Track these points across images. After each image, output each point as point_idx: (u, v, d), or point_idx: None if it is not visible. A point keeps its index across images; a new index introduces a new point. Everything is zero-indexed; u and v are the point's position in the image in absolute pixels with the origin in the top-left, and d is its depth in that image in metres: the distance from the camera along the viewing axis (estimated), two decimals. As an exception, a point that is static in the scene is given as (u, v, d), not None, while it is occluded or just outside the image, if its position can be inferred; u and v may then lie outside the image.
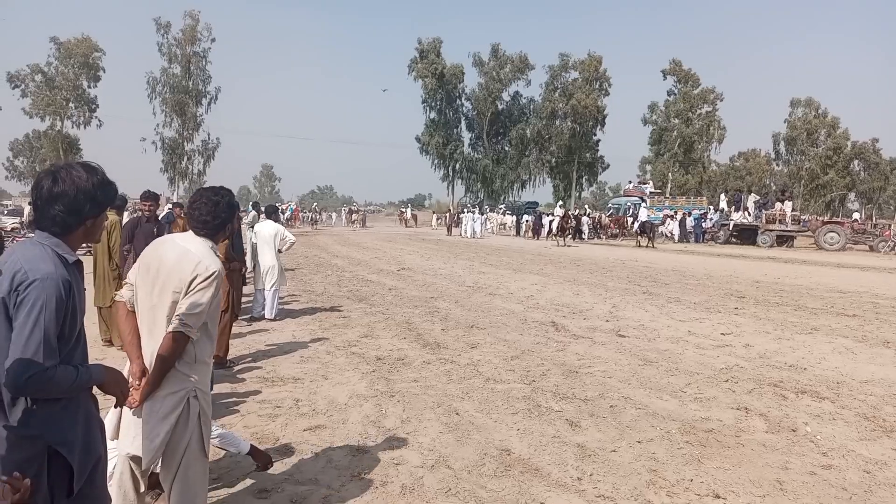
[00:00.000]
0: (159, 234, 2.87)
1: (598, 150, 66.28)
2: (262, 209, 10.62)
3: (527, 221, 40.59)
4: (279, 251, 9.55)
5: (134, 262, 3.05)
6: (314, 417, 5.18)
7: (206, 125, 58.75)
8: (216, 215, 2.95)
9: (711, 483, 4.01)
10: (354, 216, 55.24)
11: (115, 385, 2.33)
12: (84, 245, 2.40)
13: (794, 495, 3.87)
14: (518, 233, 40.52)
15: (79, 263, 2.22)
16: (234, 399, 5.66)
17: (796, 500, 3.81)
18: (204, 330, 2.83)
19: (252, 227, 10.03)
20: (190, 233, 2.97)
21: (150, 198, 7.80)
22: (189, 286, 2.72)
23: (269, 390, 5.95)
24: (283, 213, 51.63)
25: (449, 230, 40.44)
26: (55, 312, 2.01)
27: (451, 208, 56.06)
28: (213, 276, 2.76)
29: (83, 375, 2.10)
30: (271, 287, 9.35)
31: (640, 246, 29.36)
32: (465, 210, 44.70)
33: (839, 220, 32.51)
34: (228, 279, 7.14)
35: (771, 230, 30.38)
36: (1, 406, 2.04)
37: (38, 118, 57.09)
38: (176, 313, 2.70)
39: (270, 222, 9.43)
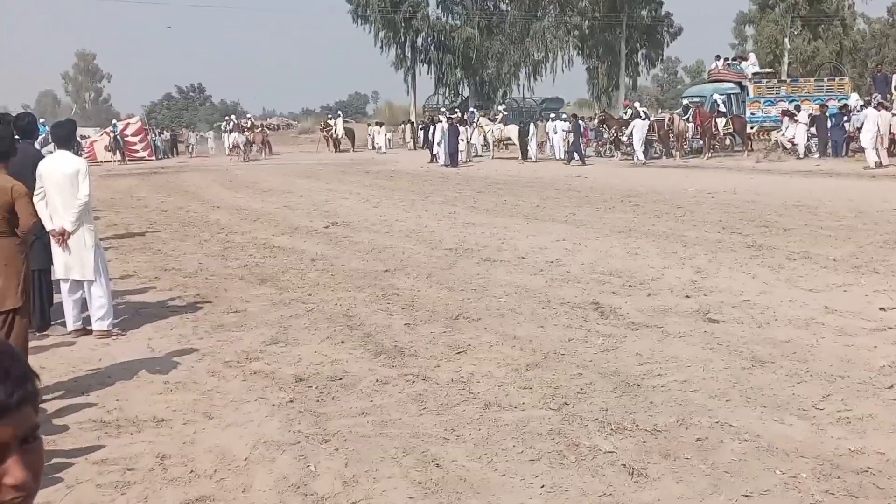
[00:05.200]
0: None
1: (661, 6, 43.88)
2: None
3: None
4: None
5: None
6: (193, 485, 3.68)
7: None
8: None
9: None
10: (249, 136, 32.49)
11: None
12: None
13: None
14: (525, 154, 26.65)
15: None
16: (56, 460, 3.77)
17: None
18: None
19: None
20: None
21: None
22: None
23: (113, 442, 4.16)
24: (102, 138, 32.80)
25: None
26: None
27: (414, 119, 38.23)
28: None
29: None
30: (90, 274, 5.70)
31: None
32: (438, 119, 27.76)
33: None
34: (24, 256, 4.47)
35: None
36: None
37: None
38: None
39: (67, 155, 5.80)
